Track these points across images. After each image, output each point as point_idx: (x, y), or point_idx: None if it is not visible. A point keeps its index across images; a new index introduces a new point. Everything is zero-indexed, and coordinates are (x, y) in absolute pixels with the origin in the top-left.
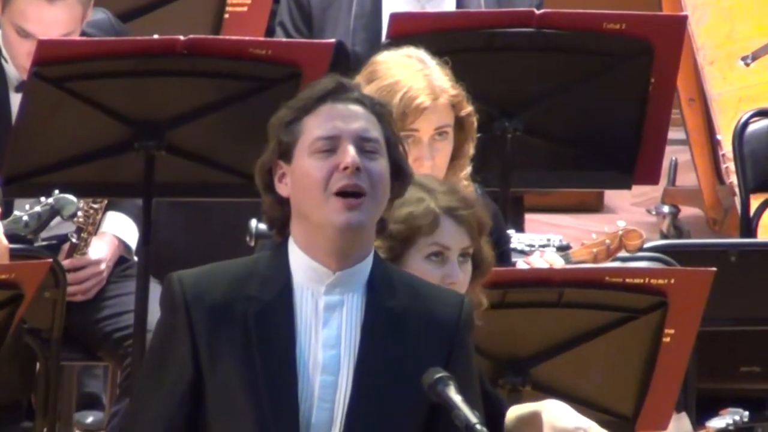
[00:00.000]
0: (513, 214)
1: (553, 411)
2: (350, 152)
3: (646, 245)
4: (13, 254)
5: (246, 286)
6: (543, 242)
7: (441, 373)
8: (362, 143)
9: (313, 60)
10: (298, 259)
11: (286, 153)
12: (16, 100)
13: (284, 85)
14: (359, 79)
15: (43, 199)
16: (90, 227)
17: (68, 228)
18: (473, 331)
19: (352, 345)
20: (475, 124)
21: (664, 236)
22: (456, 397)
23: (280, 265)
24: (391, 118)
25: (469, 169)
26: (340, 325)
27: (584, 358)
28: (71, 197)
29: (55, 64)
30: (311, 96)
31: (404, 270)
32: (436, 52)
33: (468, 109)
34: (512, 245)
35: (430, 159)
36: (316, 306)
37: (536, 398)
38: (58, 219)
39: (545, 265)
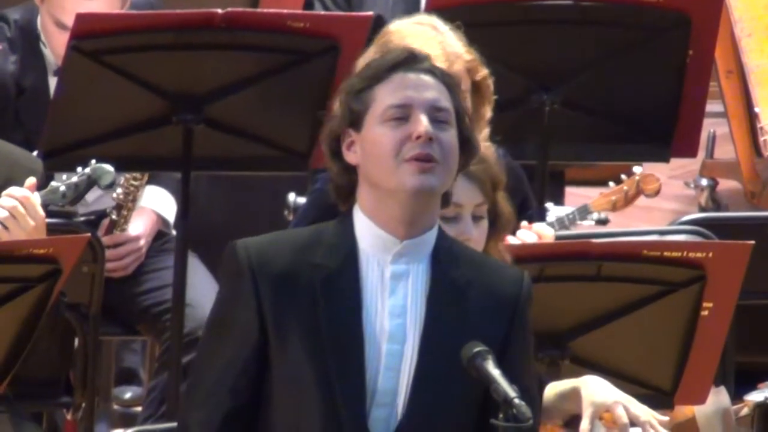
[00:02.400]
0: (554, 188)
1: (593, 386)
2: (423, 121)
3: (685, 218)
4: (52, 229)
5: (311, 254)
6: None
7: (479, 347)
8: (434, 113)
9: (351, 33)
10: (365, 228)
11: (356, 121)
12: (54, 83)
13: (322, 59)
14: (372, 49)
15: (79, 169)
16: (130, 204)
17: (108, 203)
18: (532, 308)
19: (417, 315)
20: (492, 87)
21: (702, 209)
22: (494, 371)
23: (345, 234)
24: (459, 90)
25: (487, 131)
26: (406, 295)
27: (623, 331)
28: (108, 167)
29: (93, 37)
30: (383, 65)
31: (466, 244)
32: (474, 24)
33: (483, 72)
34: (549, 218)
35: None
36: (382, 275)
37: (575, 372)
38: (97, 194)
39: (534, 238)
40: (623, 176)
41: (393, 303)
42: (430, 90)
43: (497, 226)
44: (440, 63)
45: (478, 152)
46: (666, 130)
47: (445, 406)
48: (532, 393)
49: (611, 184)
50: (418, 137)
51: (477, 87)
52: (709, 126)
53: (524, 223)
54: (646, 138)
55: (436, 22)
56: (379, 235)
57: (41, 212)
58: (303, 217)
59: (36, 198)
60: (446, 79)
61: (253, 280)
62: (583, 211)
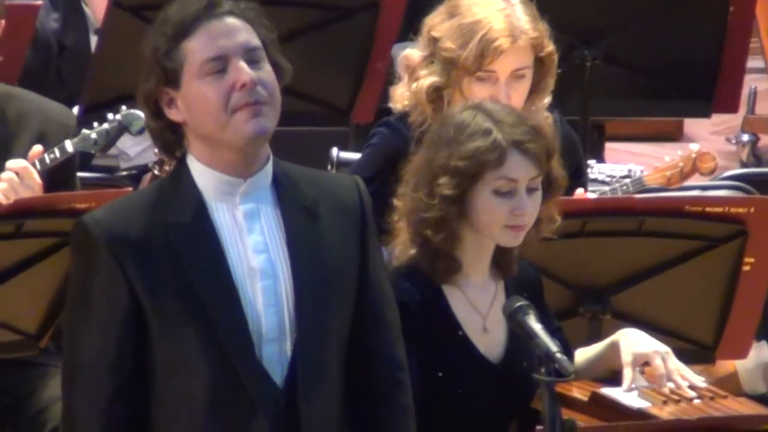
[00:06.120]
0: (594, 143)
1: (631, 337)
2: (245, 69)
3: (726, 174)
4: (95, 183)
5: (161, 214)
6: (624, 173)
7: (520, 302)
8: (249, 55)
9: None
10: (205, 176)
11: (172, 79)
12: (95, 41)
13: (363, 15)
14: (441, 9)
15: (110, 115)
16: None
17: (150, 158)
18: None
19: (279, 246)
20: (556, 60)
21: (743, 165)
22: (536, 326)
23: (186, 186)
24: (262, 18)
25: (547, 101)
26: (262, 230)
27: (664, 286)
28: (139, 112)
29: None
30: (185, 18)
31: (293, 164)
32: None
33: (548, 48)
34: (593, 176)
35: (506, 99)
36: (234, 217)
37: (616, 327)
38: (139, 148)
39: None
40: (679, 152)
41: (254, 240)
42: (240, 33)
43: (551, 191)
44: (503, 38)
45: (290, 73)
46: (707, 86)
47: (330, 329)
48: (388, 293)
49: (667, 158)
50: (243, 86)
51: (541, 61)
52: (750, 82)
53: (579, 191)
54: (687, 94)
55: None
56: (222, 179)
57: (38, 180)
58: (368, 165)
59: (37, 165)
60: (247, 14)
61: (111, 252)
62: (638, 184)
